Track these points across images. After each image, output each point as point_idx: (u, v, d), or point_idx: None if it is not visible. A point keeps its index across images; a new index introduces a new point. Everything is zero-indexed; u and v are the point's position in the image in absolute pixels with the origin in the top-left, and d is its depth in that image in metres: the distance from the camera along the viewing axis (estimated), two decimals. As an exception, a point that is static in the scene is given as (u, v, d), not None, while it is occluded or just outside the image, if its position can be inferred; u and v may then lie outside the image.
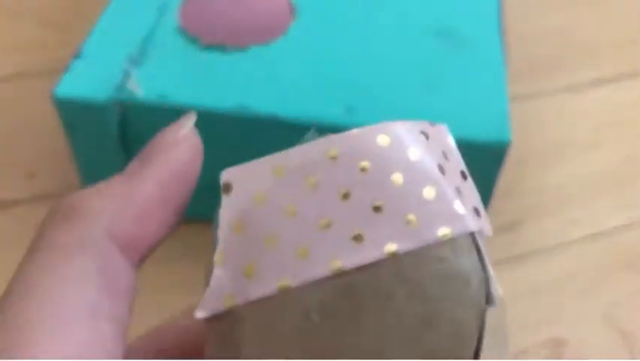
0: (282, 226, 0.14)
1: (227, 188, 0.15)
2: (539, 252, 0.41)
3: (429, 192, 0.14)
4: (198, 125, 0.35)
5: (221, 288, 0.14)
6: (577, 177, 0.46)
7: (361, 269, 0.14)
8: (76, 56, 0.37)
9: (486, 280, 0.14)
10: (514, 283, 0.40)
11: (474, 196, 0.16)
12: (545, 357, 0.37)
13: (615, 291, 0.39)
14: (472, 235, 0.15)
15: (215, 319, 0.14)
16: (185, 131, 0.16)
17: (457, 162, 0.16)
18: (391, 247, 0.14)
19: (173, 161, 0.16)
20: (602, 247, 0.42)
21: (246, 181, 0.15)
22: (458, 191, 0.15)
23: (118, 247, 0.15)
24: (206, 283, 0.15)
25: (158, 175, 0.16)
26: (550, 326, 0.38)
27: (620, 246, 0.42)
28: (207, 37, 0.38)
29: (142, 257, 0.16)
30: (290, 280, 0.14)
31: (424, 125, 0.15)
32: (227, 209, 0.14)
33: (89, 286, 0.13)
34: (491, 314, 0.14)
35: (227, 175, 0.15)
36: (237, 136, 0.36)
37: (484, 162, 0.34)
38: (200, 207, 0.39)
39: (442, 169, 0.15)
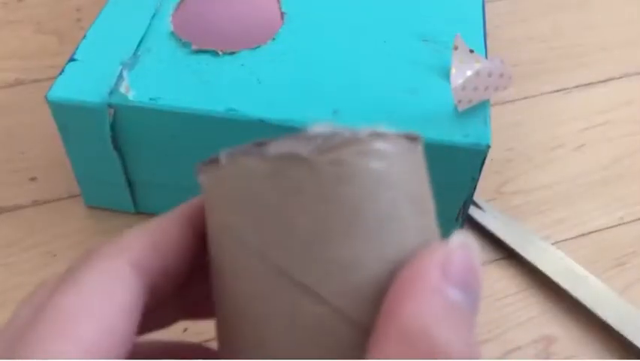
0: None
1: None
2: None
3: None
4: (188, 127, 0.36)
5: None
6: (565, 178, 0.47)
7: None
8: (70, 59, 0.38)
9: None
10: (504, 282, 0.41)
11: None
12: (536, 355, 0.38)
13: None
14: None
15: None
16: None
17: None
18: None
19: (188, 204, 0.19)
20: (590, 245, 0.43)
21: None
22: None
23: (127, 263, 0.17)
24: None
25: (162, 219, 0.18)
26: (540, 324, 0.39)
27: (607, 245, 0.43)
28: (198, 43, 0.39)
29: (157, 278, 0.17)
30: None
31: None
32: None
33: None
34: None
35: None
36: (226, 139, 0.36)
37: (465, 164, 0.35)
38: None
39: None
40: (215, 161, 0.16)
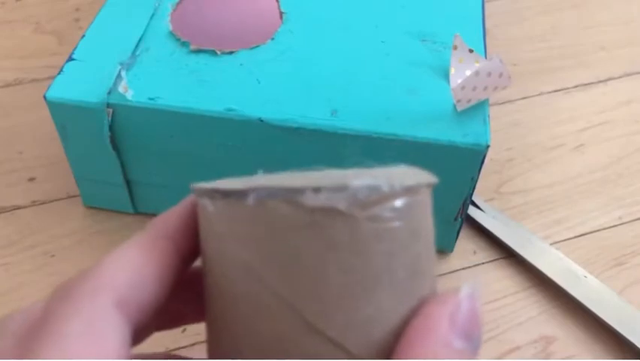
0: None
1: None
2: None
3: None
4: (187, 127, 0.36)
5: None
6: (564, 178, 0.47)
7: None
8: (69, 59, 0.38)
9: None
10: (503, 282, 0.41)
11: None
12: (535, 355, 0.37)
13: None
14: None
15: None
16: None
17: None
18: None
19: (161, 224, 0.18)
20: (589, 245, 0.43)
21: None
22: None
23: (112, 303, 0.15)
24: None
25: (143, 239, 0.17)
26: (539, 324, 0.39)
27: (606, 244, 0.43)
28: (197, 42, 0.39)
29: (141, 314, 0.16)
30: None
31: None
32: None
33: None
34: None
35: None
36: (225, 138, 0.36)
37: (464, 164, 0.35)
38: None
39: None
40: (233, 195, 0.16)
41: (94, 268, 0.16)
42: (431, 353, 0.14)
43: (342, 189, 0.15)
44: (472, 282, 0.16)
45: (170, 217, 0.18)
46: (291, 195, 0.15)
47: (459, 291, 0.16)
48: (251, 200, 0.15)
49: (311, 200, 0.15)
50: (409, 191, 0.15)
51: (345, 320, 0.15)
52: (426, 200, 0.16)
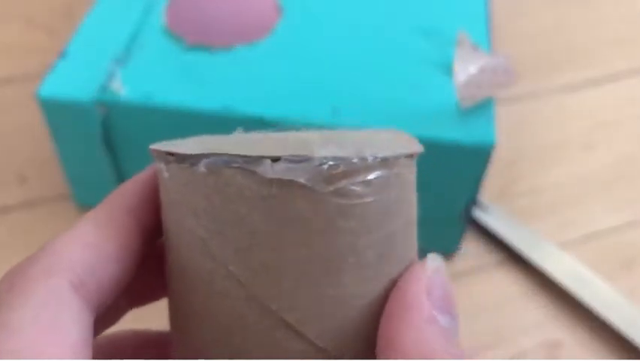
0: None
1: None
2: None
3: None
4: (182, 125, 0.35)
5: None
6: (572, 178, 0.46)
7: None
8: (61, 55, 0.37)
9: None
10: (509, 285, 0.40)
11: None
12: (542, 358, 0.37)
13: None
14: None
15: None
16: None
17: None
18: None
19: (118, 203, 0.16)
20: (597, 247, 0.42)
21: None
22: None
23: (68, 285, 0.14)
24: None
25: (99, 215, 0.15)
26: (546, 328, 0.38)
27: (615, 246, 0.42)
28: (193, 37, 0.38)
29: (102, 296, 0.15)
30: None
31: None
32: None
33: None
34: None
35: None
36: (222, 137, 0.35)
37: (469, 164, 0.34)
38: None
39: None
40: (186, 160, 0.14)
41: (44, 248, 0.14)
42: (416, 330, 0.14)
43: (304, 159, 0.13)
44: (434, 255, 0.15)
45: (131, 188, 0.16)
46: (247, 164, 0.13)
47: (425, 265, 0.15)
48: (202, 167, 0.14)
49: (269, 171, 0.13)
50: (383, 163, 0.14)
51: (305, 303, 0.14)
52: (405, 173, 0.15)
